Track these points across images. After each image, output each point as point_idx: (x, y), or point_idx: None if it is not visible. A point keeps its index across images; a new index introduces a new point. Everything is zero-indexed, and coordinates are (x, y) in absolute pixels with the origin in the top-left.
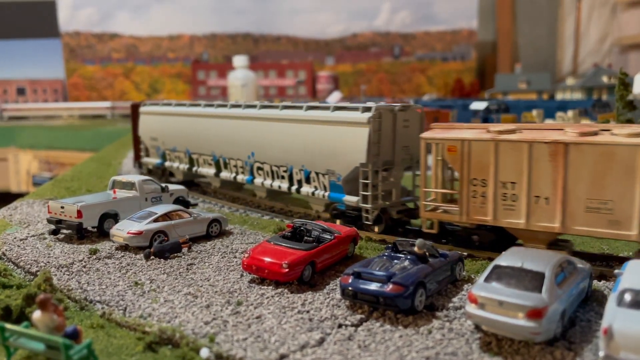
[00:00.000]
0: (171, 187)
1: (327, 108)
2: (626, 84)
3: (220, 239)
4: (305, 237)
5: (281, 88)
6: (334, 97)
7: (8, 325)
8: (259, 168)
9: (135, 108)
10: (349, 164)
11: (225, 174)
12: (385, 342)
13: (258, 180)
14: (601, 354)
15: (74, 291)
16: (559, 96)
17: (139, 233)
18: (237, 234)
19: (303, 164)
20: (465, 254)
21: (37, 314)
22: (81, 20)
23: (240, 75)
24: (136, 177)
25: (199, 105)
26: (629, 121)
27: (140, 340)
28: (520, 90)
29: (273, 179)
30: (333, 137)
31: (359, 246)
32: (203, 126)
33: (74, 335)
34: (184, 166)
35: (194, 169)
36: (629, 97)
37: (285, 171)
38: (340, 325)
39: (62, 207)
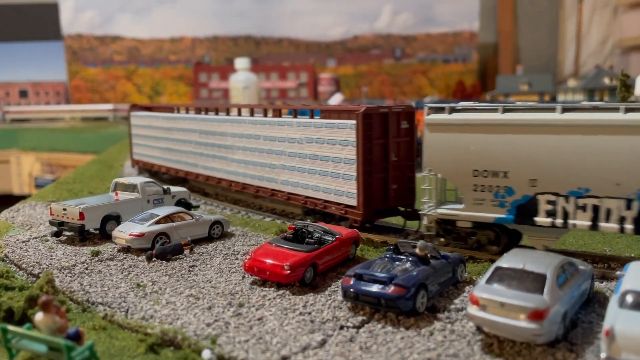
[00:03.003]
0: (173, 189)
1: None
2: (628, 85)
3: (222, 241)
4: (307, 239)
5: (283, 90)
6: (336, 99)
7: (10, 327)
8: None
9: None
10: None
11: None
12: (386, 344)
13: None
14: (603, 355)
15: (76, 293)
16: (561, 98)
17: (141, 235)
18: (238, 235)
19: None
20: (466, 255)
21: (39, 316)
22: (83, 22)
23: (242, 77)
24: (138, 179)
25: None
26: None
27: (142, 342)
28: (521, 92)
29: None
30: None
31: (361, 248)
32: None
33: (76, 337)
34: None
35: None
36: (630, 98)
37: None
38: (341, 327)
39: (65, 209)
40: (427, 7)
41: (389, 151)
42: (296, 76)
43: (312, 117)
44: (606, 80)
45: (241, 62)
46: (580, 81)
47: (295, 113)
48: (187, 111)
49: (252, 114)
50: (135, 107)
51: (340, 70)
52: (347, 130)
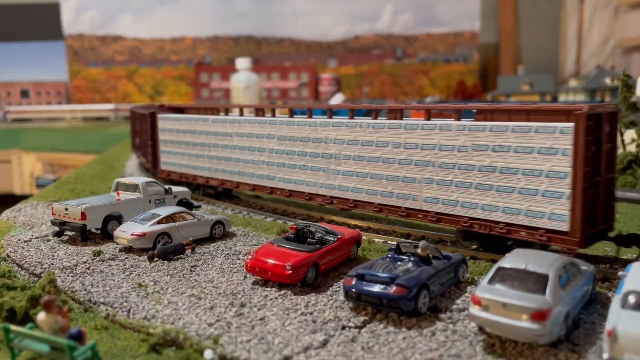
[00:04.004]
0: (174, 189)
1: None
2: (629, 85)
3: (224, 241)
4: (309, 239)
5: (284, 90)
6: (337, 99)
7: (12, 327)
8: None
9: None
10: None
11: None
12: (388, 344)
13: None
14: (605, 356)
15: (78, 293)
16: (562, 98)
17: (143, 235)
18: (240, 235)
19: None
20: (468, 255)
21: (41, 316)
22: (84, 23)
23: (243, 77)
24: (140, 179)
25: None
26: (632, 123)
27: (144, 342)
28: (523, 92)
29: None
30: None
31: (362, 248)
32: None
33: (78, 337)
34: None
35: None
36: (632, 98)
37: None
38: (343, 327)
39: (66, 209)
40: (428, 7)
41: (600, 161)
42: (297, 76)
43: (487, 119)
44: (607, 81)
45: (242, 62)
46: (582, 81)
47: (458, 114)
48: (258, 113)
49: (375, 117)
50: (163, 108)
51: (341, 70)
52: (555, 136)
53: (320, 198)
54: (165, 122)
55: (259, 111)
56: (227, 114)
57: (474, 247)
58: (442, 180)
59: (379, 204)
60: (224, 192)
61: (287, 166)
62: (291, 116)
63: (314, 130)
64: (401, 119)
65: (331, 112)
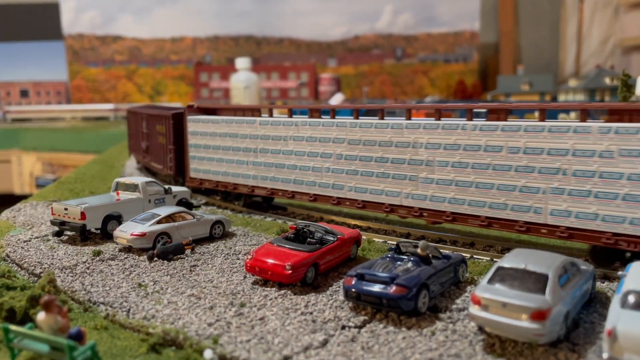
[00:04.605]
0: (174, 188)
1: None
2: (629, 85)
3: (224, 241)
4: (309, 239)
5: (284, 90)
6: (336, 99)
7: (12, 327)
8: None
9: None
10: None
11: None
12: (388, 344)
13: None
14: (605, 355)
15: (77, 293)
16: (562, 98)
17: (143, 235)
18: (240, 235)
19: None
20: (468, 255)
21: (41, 316)
22: (84, 22)
23: (243, 77)
24: (139, 179)
25: None
26: None
27: (143, 342)
28: (522, 92)
29: None
30: None
31: (362, 248)
32: None
33: (78, 337)
34: None
35: None
36: (631, 98)
37: None
38: (343, 327)
39: (66, 209)
40: (428, 7)
41: None
42: (297, 76)
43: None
44: (607, 80)
45: (242, 62)
46: (581, 81)
47: (584, 115)
48: (315, 114)
49: (470, 117)
50: (191, 109)
51: (341, 70)
52: None
53: (405, 210)
54: (197, 125)
55: (315, 112)
56: (270, 115)
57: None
58: (576, 191)
59: (487, 217)
60: (264, 202)
61: (361, 174)
62: (381, 118)
63: (398, 134)
64: (505, 119)
65: (439, 112)
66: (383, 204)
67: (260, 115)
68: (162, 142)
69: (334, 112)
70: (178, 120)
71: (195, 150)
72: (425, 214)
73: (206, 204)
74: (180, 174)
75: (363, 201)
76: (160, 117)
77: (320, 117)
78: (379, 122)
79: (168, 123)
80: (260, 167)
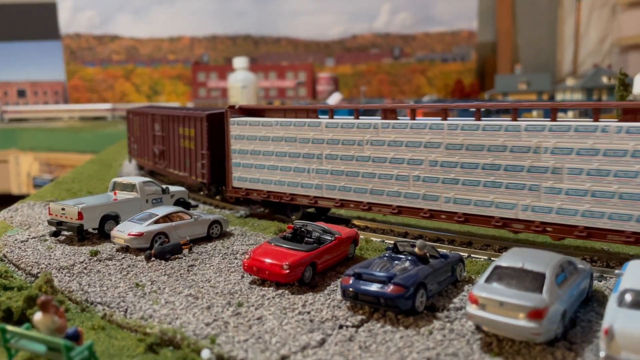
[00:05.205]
0: (172, 188)
1: None
2: (626, 84)
3: (221, 241)
4: (306, 238)
5: (281, 89)
6: (334, 99)
7: (9, 327)
8: None
9: None
10: None
11: None
12: (386, 343)
13: None
14: (602, 354)
15: (75, 293)
16: (559, 97)
17: (140, 235)
18: (237, 235)
19: None
20: (465, 254)
21: (38, 316)
22: (82, 22)
23: (241, 76)
24: (137, 179)
25: None
26: None
27: (141, 342)
28: (520, 91)
29: None
30: None
31: (360, 247)
32: None
33: (75, 337)
34: None
35: None
36: (628, 97)
37: None
38: (341, 326)
39: (63, 209)
40: (425, 7)
41: None
42: (295, 75)
43: None
44: (604, 79)
45: (240, 62)
46: (579, 80)
47: None
48: (389, 115)
49: (597, 119)
50: (233, 109)
51: (339, 69)
52: None
53: (522, 224)
54: (244, 128)
55: (389, 113)
56: (331, 117)
57: None
58: None
59: (633, 232)
60: (318, 213)
61: (463, 183)
62: (478, 119)
63: (514, 137)
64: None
65: (555, 111)
66: (492, 217)
67: (333, 117)
68: (188, 146)
69: (412, 112)
70: (215, 122)
71: (241, 157)
72: (549, 229)
73: (203, 203)
74: (216, 182)
75: (465, 214)
76: (188, 119)
77: (396, 119)
78: (491, 123)
79: (201, 125)
80: (327, 176)
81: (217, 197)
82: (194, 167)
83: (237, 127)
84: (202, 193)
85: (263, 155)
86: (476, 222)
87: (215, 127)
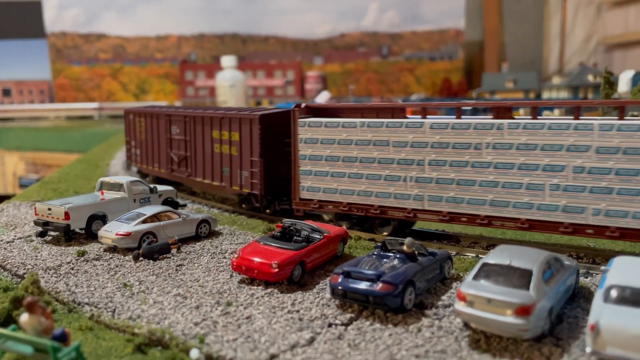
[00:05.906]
0: (160, 188)
1: None
2: (611, 82)
3: (210, 240)
4: (295, 237)
5: (270, 88)
6: (323, 97)
7: None
8: None
9: None
10: None
11: None
12: (375, 341)
13: None
14: (588, 349)
15: (62, 293)
16: (546, 95)
17: (128, 234)
18: (226, 234)
19: None
20: (453, 252)
21: (24, 317)
22: (67, 20)
23: (229, 75)
24: (124, 179)
25: None
26: None
27: (129, 342)
28: (507, 89)
29: None
30: None
31: (349, 245)
32: None
33: (62, 338)
34: None
35: None
36: (614, 95)
37: None
38: (330, 325)
39: (50, 209)
40: (413, 5)
41: None
42: (283, 74)
43: None
44: (590, 78)
45: (228, 60)
46: (565, 78)
47: None
48: (504, 113)
49: None
50: (299, 108)
51: (327, 68)
52: None
53: None
54: (316, 131)
55: (503, 111)
56: (424, 117)
57: None
58: None
59: None
60: (406, 228)
61: (617, 192)
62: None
63: None
64: None
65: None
66: None
67: (405, 117)
68: (226, 152)
69: (534, 110)
70: (269, 124)
71: (312, 164)
72: None
73: (192, 202)
74: (270, 193)
75: (619, 228)
76: (228, 120)
77: (512, 118)
78: None
79: (250, 128)
80: (430, 185)
81: (268, 211)
82: (236, 175)
83: (308, 129)
84: (244, 206)
85: (343, 162)
86: (635, 237)
87: (271, 129)
